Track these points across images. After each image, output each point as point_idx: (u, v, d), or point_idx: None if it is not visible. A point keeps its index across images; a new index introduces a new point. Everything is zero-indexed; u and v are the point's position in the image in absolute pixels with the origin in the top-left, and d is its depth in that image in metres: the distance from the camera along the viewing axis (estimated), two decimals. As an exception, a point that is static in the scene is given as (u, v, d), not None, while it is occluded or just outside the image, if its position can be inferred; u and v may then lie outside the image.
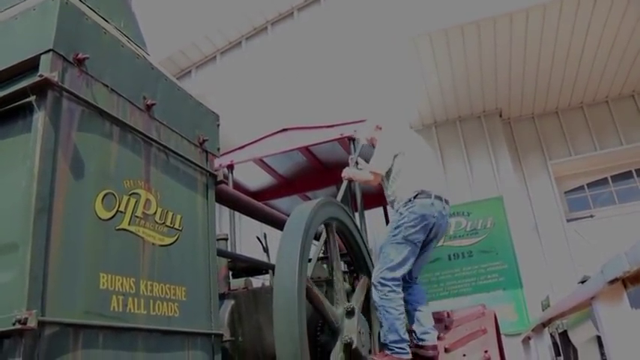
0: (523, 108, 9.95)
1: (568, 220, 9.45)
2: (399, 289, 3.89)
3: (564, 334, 5.98)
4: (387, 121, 4.62)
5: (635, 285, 1.91)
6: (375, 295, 3.83)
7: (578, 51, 8.33)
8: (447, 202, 4.16)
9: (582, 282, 4.47)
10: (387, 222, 7.51)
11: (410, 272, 4.08)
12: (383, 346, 3.86)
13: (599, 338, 4.47)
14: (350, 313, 3.29)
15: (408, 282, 4.12)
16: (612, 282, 1.95)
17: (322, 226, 3.41)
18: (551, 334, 6.43)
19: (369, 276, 3.81)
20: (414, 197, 3.98)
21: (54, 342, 1.57)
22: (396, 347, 3.76)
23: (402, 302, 3.90)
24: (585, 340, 5.15)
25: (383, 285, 3.85)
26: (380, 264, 3.94)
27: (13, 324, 1.46)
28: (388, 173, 4.24)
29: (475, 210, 8.97)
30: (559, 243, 9.16)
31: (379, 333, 4.02)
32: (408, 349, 3.78)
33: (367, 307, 3.84)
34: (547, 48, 8.19)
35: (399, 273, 3.90)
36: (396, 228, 3.97)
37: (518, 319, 8.13)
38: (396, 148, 4.25)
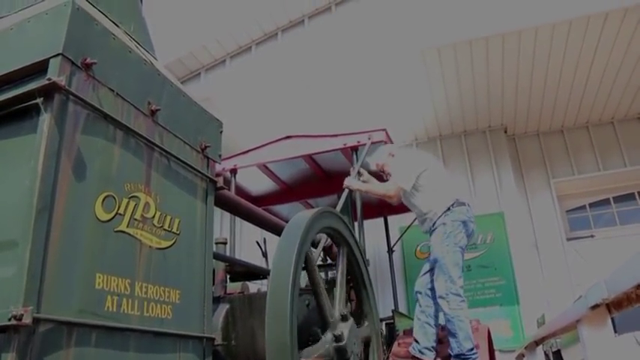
0: (528, 125, 9.98)
1: (568, 239, 9.46)
2: (465, 299, 4.08)
3: (558, 353, 6.00)
4: (400, 149, 4.84)
5: (618, 310, 1.94)
6: (446, 307, 4.00)
7: (585, 71, 8.36)
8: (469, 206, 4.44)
9: (577, 302, 4.49)
10: (387, 232, 7.54)
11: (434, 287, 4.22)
12: (456, 358, 3.96)
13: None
14: (345, 318, 3.15)
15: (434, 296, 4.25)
16: (594, 307, 1.98)
17: (320, 234, 3.39)
18: (545, 353, 6.44)
19: (365, 289, 3.51)
20: (452, 206, 4.25)
21: (48, 339, 1.60)
22: (473, 355, 3.90)
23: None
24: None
25: (455, 295, 4.01)
26: (443, 276, 4.07)
27: (9, 319, 1.49)
28: (413, 190, 4.40)
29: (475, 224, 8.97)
30: (558, 261, 9.16)
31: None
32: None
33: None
34: (554, 66, 8.23)
35: (462, 280, 4.11)
36: (447, 238, 4.15)
37: (513, 335, 8.12)
38: (421, 165, 4.47)
